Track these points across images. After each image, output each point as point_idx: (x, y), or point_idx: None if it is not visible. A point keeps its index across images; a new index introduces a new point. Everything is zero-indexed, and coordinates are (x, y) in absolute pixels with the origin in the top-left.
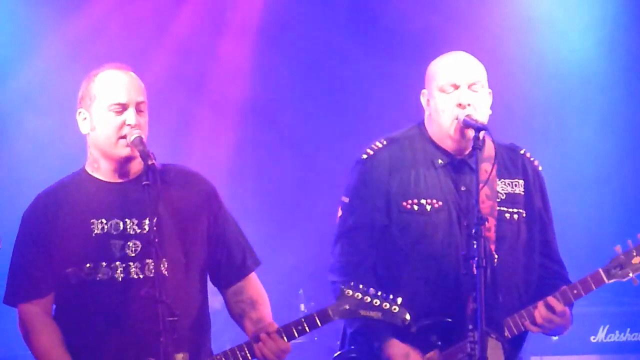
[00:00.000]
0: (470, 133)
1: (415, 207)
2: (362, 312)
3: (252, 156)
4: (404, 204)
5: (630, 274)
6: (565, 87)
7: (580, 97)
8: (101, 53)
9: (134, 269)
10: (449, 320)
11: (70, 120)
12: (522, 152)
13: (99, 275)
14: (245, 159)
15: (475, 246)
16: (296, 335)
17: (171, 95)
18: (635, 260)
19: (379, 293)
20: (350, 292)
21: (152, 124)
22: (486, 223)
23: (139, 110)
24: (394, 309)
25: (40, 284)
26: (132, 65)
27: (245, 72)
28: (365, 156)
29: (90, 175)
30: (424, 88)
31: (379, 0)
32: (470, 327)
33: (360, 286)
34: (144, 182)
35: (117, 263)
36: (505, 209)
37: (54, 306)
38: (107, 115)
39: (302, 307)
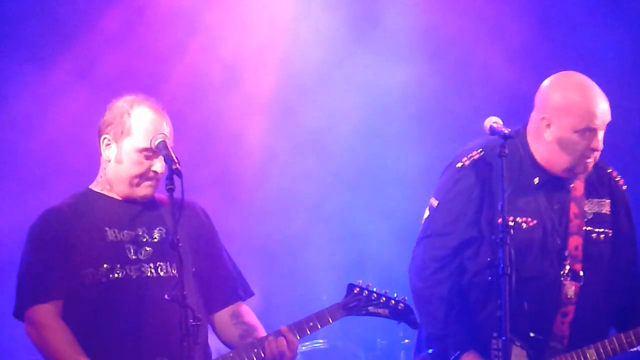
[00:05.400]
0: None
1: (511, 224)
2: (371, 309)
3: (276, 155)
4: (500, 221)
5: None
6: None
7: None
8: (123, 60)
9: (148, 269)
10: (533, 335)
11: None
12: (609, 170)
13: (115, 275)
14: (268, 158)
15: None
16: (308, 332)
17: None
18: None
19: (385, 291)
20: (358, 290)
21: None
22: (573, 241)
23: None
24: (400, 306)
25: (50, 286)
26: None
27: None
28: (460, 165)
29: (98, 193)
30: (546, 112)
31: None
32: (495, 334)
33: (369, 284)
34: (168, 187)
35: (132, 265)
36: (591, 228)
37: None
38: (136, 156)
39: None
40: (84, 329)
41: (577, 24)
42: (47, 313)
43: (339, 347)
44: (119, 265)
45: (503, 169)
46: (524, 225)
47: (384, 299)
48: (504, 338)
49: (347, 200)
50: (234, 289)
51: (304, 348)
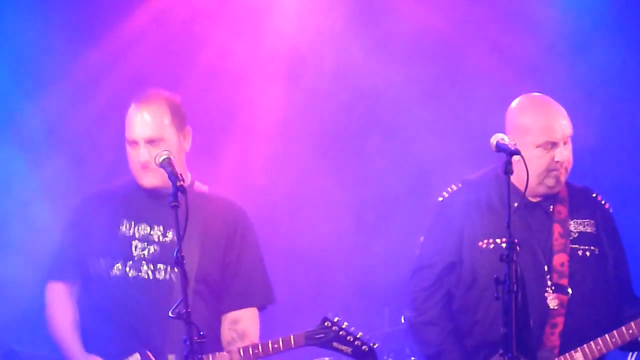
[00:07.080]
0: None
1: (492, 246)
2: (334, 344)
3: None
4: (480, 243)
5: None
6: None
7: None
8: (129, 75)
9: (145, 269)
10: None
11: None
12: (593, 195)
13: (114, 271)
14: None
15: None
16: (271, 351)
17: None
18: None
19: (358, 334)
20: (329, 324)
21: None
22: (558, 258)
23: (153, 145)
24: (364, 348)
25: (64, 267)
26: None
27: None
28: (440, 199)
29: (135, 183)
30: (511, 134)
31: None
32: (501, 351)
33: (344, 324)
34: (172, 204)
35: (131, 262)
36: (577, 246)
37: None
38: (128, 148)
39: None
40: (88, 316)
41: (574, 27)
42: (59, 292)
43: None
44: (121, 261)
45: (509, 186)
46: (504, 245)
47: (351, 338)
48: (510, 355)
49: (347, 196)
50: (243, 294)
51: None
